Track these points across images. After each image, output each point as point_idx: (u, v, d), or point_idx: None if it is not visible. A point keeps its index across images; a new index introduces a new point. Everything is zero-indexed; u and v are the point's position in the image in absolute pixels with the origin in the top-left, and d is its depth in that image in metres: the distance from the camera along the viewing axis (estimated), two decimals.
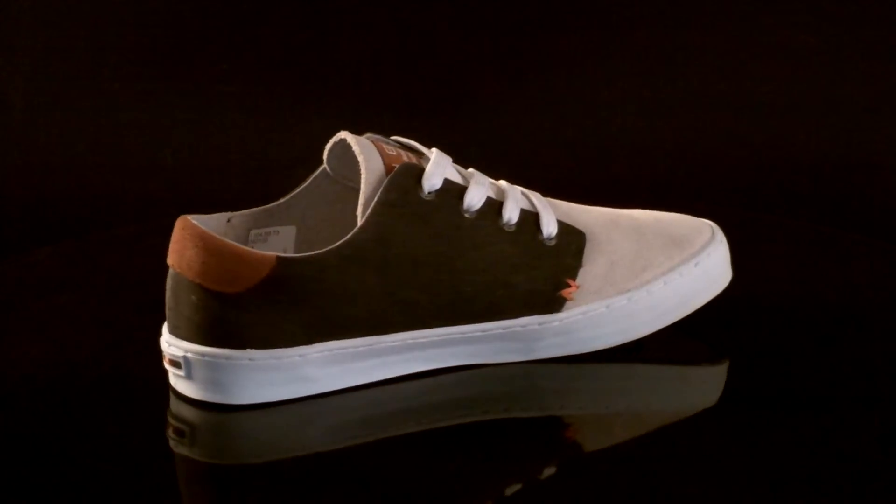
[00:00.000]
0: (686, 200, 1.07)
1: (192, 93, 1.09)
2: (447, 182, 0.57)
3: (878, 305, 0.69)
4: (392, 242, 0.55)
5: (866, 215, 1.06)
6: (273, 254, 0.54)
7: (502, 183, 0.60)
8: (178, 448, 0.54)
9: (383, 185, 0.55)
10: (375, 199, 0.55)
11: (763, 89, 1.10)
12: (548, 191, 0.62)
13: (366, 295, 0.56)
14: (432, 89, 1.10)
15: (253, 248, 0.60)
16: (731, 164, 1.09)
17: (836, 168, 1.09)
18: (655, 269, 0.60)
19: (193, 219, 0.56)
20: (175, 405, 0.56)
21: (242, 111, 1.09)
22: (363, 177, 0.55)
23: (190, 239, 0.55)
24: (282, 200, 0.61)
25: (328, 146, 0.59)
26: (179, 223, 0.56)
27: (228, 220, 0.60)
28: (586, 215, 0.61)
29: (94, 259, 0.83)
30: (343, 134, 0.58)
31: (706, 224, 0.63)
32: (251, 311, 0.54)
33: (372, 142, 0.57)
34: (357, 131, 0.58)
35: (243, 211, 0.60)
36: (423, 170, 0.57)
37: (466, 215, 0.57)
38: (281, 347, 0.55)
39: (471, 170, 0.60)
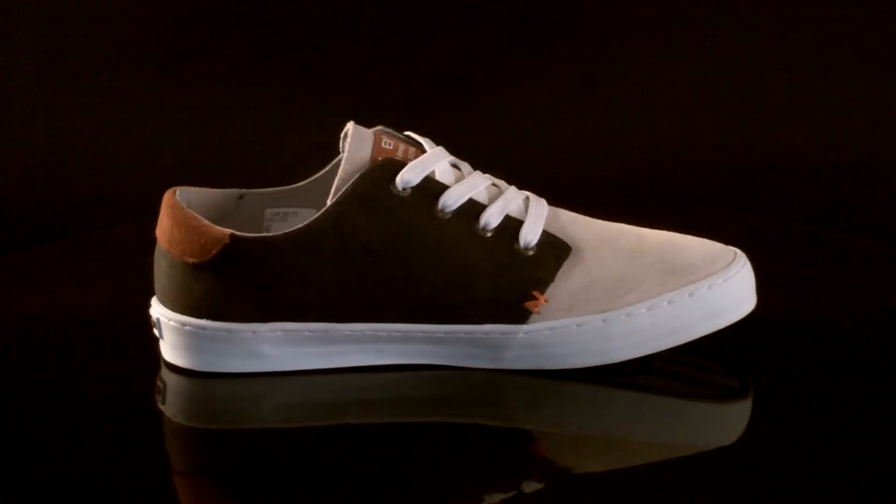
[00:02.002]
0: (685, 201, 1.07)
1: (192, 93, 1.09)
2: (428, 180, 0.57)
3: (878, 311, 0.69)
4: (350, 233, 0.56)
5: (866, 216, 1.06)
6: (228, 231, 0.56)
7: (509, 189, 0.59)
8: (158, 403, 0.58)
9: (355, 177, 0.56)
10: (343, 189, 0.56)
11: (763, 89, 1.10)
12: (546, 192, 0.61)
13: (319, 282, 0.56)
14: (432, 89, 1.10)
15: (269, 226, 0.62)
16: (731, 165, 1.09)
17: (836, 169, 1.09)
18: (641, 293, 0.57)
19: (190, 191, 0.60)
20: (163, 365, 0.60)
21: (242, 111, 1.09)
22: (341, 166, 0.56)
23: (165, 209, 0.58)
24: (301, 183, 0.62)
25: (342, 134, 0.60)
26: (166, 193, 0.59)
27: (240, 197, 0.62)
28: (585, 229, 0.59)
29: (93, 256, 0.84)
30: (349, 124, 0.58)
31: (729, 253, 0.59)
32: (207, 283, 0.57)
33: (375, 134, 0.58)
34: None
35: (259, 189, 0.62)
36: (404, 165, 0.57)
37: (439, 215, 0.57)
38: (234, 321, 0.57)
39: (476, 172, 0.59)
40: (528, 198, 0.60)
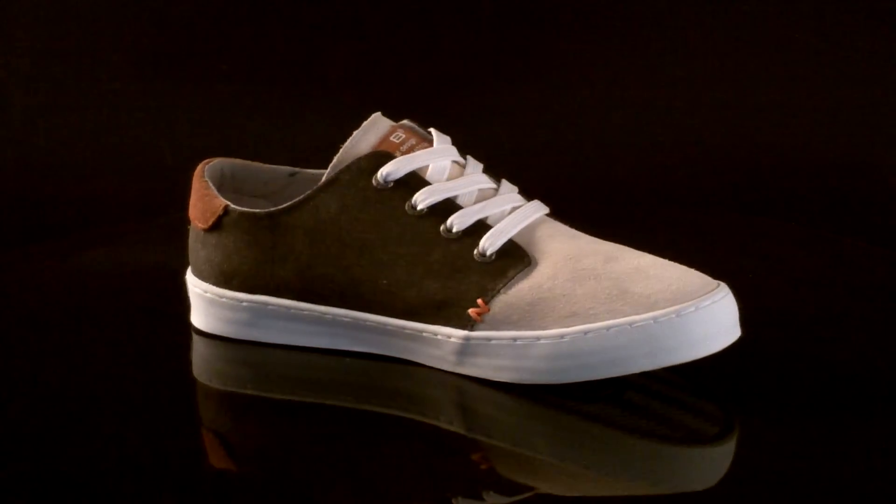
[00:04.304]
0: (684, 201, 1.07)
1: (192, 93, 1.09)
2: (412, 176, 0.57)
3: (877, 314, 0.68)
4: (323, 219, 0.57)
5: (865, 217, 1.06)
6: (224, 202, 0.60)
7: (506, 194, 0.58)
8: (193, 362, 0.63)
9: (342, 166, 0.57)
10: (329, 176, 0.58)
11: (763, 89, 1.10)
12: (543, 192, 0.61)
13: (294, 261, 0.59)
14: (432, 89, 1.10)
15: None
16: (731, 165, 1.09)
17: (836, 169, 1.09)
18: (583, 317, 0.53)
19: (236, 163, 0.65)
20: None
21: (243, 111, 1.10)
22: (339, 153, 0.58)
23: (193, 176, 0.63)
24: None
25: None
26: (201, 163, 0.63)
27: (291, 175, 0.65)
28: (558, 245, 0.57)
29: (93, 254, 0.84)
30: (376, 114, 0.59)
31: (705, 287, 0.53)
32: (207, 248, 0.61)
33: (391, 126, 0.59)
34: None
35: (311, 170, 0.65)
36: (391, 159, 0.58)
37: (410, 211, 0.57)
38: (227, 289, 0.61)
39: (478, 174, 0.59)
40: (520, 206, 0.58)
